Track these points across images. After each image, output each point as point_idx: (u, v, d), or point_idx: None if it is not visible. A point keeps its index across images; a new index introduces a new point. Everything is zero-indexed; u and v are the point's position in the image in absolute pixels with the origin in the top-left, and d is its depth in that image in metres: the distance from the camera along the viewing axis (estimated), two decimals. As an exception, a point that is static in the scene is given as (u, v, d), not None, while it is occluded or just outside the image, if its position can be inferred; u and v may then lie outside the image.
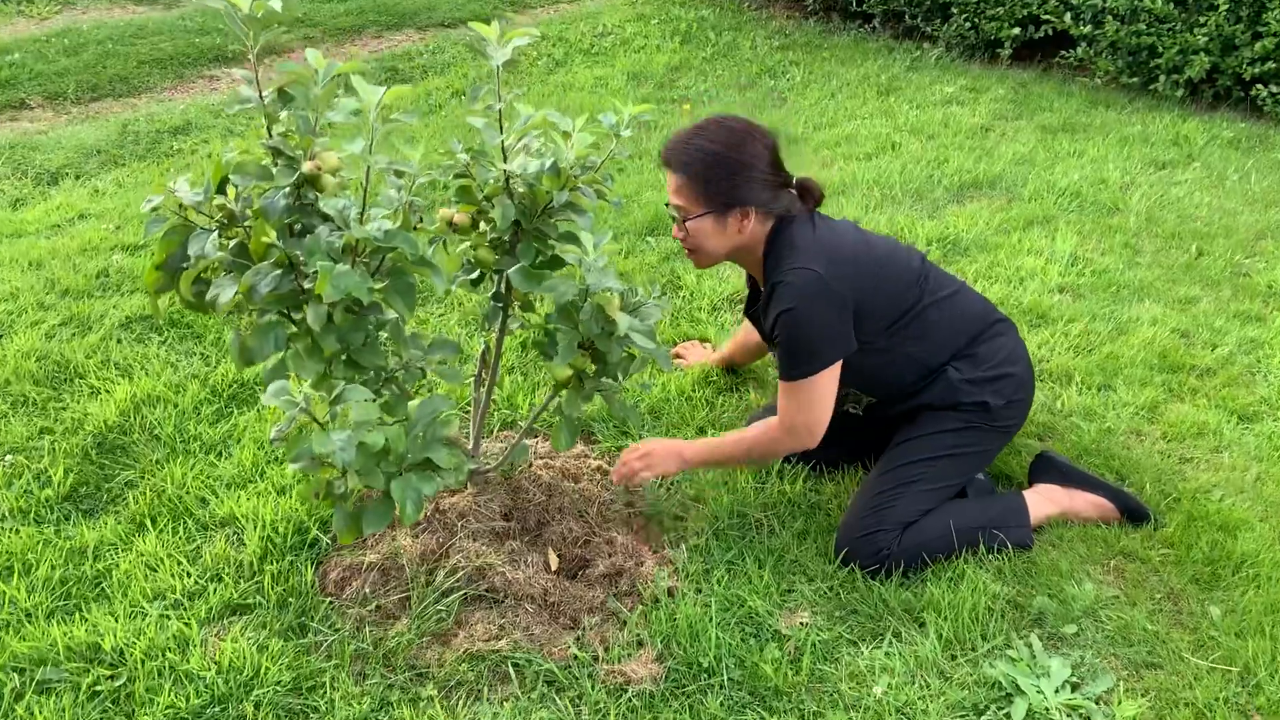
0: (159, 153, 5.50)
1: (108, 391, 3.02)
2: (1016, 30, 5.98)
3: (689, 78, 6.38)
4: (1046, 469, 2.53)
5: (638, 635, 2.16)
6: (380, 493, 1.92)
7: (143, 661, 2.09)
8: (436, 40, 7.53)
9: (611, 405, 2.18)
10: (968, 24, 6.33)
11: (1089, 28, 5.64)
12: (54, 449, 2.77)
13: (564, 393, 2.21)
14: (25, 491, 2.61)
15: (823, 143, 5.09)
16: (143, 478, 2.68)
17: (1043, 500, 2.44)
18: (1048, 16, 5.83)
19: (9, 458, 2.74)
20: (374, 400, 1.84)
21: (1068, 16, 5.68)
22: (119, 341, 3.34)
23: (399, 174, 1.86)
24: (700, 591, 2.27)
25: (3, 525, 2.50)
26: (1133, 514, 2.43)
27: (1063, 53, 5.97)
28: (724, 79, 6.33)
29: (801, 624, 2.19)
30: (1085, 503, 2.45)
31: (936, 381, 2.39)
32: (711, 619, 2.16)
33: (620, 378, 2.14)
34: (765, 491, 2.57)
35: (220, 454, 2.78)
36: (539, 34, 1.90)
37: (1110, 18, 5.56)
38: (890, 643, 2.13)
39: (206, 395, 3.04)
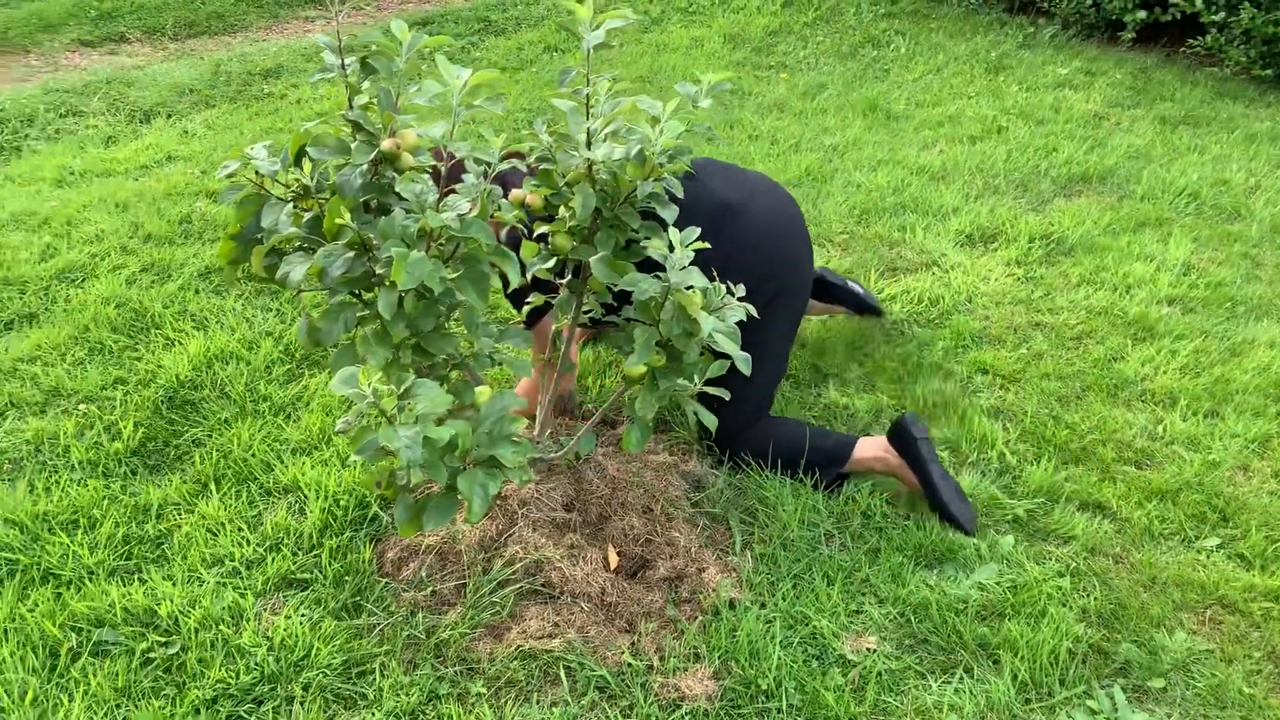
0: (249, 95, 5.51)
1: (182, 344, 3.02)
2: (1142, 13, 5.61)
3: (788, 43, 6.17)
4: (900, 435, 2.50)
5: (695, 647, 2.08)
6: (443, 486, 1.86)
7: (196, 631, 2.08)
8: (532, -10, 7.42)
9: (684, 408, 2.08)
10: (1088, 2, 5.97)
11: (1221, 14, 5.27)
12: (126, 401, 2.78)
13: (636, 389, 2.12)
14: (95, 443, 2.62)
15: (924, 122, 4.86)
16: (210, 436, 2.67)
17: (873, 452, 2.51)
18: (1177, 0, 5.46)
19: (81, 406, 2.76)
20: (442, 389, 1.77)
21: (1198, 1, 5.31)
22: (196, 292, 3.34)
23: (478, 161, 1.76)
24: (764, 606, 2.18)
25: (72, 476, 2.51)
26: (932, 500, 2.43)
27: (1190, 39, 5.60)
28: (824, 46, 6.10)
29: (868, 649, 2.08)
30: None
31: None
32: (774, 638, 2.07)
33: (696, 380, 2.04)
34: (837, 500, 2.46)
35: (288, 417, 2.76)
36: (634, 16, 1.79)
37: (1246, 4, 5.18)
38: (961, 679, 2.02)
39: (279, 354, 3.02)
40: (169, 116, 5.19)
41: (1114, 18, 5.87)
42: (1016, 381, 2.91)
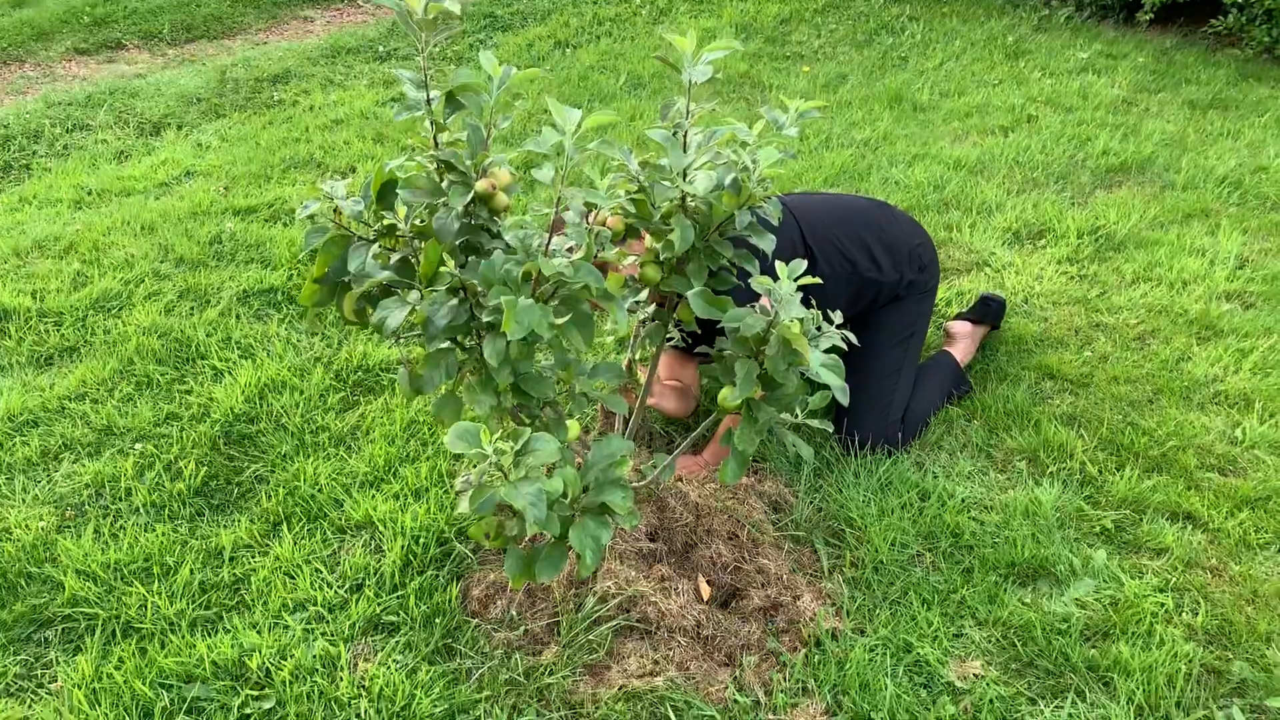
0: (259, 102, 5.40)
1: (231, 374, 2.95)
2: (1161, -7, 5.57)
3: (801, 32, 6.09)
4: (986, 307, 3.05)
5: (802, 681, 2.04)
6: (551, 535, 1.81)
7: (290, 683, 2.02)
8: (533, -17, 7.28)
9: (784, 442, 2.03)
10: (1103, -18, 5.92)
11: (1243, -7, 5.23)
12: (182, 437, 2.70)
13: (740, 424, 2.07)
14: (157, 484, 2.55)
15: (952, 112, 4.81)
16: (272, 472, 2.61)
17: (960, 348, 2.95)
18: (1197, -21, 5.40)
19: (138, 446, 2.68)
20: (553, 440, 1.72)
21: (1219, -20, 5.26)
22: (238, 318, 3.26)
23: (589, 205, 1.71)
24: (864, 634, 2.14)
25: (138, 520, 2.44)
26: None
27: (1211, 20, 5.56)
28: (838, 34, 6.03)
29: (975, 676, 2.05)
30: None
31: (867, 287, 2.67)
32: (884, 669, 2.03)
33: (798, 414, 1.99)
34: (923, 519, 2.42)
35: (350, 448, 2.69)
36: (739, 45, 1.72)
37: (1266, -18, 5.14)
38: (1074, 703, 1.98)
39: (332, 381, 2.95)
40: (180, 128, 5.08)
41: (1131, -2, 5.82)
42: (1085, 386, 2.87)
